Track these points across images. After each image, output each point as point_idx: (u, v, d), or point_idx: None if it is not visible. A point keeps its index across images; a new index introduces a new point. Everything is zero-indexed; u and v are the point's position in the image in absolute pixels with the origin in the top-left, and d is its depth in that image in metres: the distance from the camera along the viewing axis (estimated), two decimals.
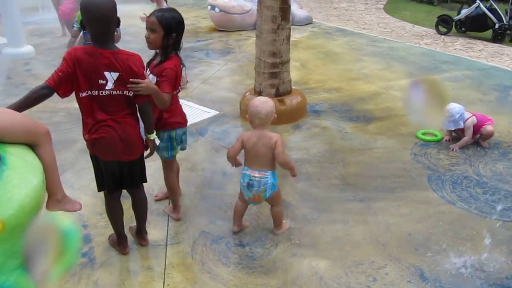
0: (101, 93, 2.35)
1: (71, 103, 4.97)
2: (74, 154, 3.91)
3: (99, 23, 2.31)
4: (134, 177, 2.61)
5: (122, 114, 2.42)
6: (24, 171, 1.89)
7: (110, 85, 2.34)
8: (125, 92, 2.38)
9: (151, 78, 2.64)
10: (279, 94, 4.49)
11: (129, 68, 2.34)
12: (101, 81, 2.33)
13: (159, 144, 2.69)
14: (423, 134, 4.15)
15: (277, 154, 2.67)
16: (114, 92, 2.36)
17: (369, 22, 9.51)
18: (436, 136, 4.13)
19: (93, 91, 2.34)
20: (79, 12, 4.41)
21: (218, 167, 3.69)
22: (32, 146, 2.21)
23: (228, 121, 4.58)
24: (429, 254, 2.68)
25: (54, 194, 2.26)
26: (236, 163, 2.84)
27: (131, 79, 2.36)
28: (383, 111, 4.80)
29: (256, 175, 2.69)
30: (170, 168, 3.00)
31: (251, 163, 2.74)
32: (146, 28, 2.70)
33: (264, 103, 2.75)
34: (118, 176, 2.54)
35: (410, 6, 11.96)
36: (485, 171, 3.62)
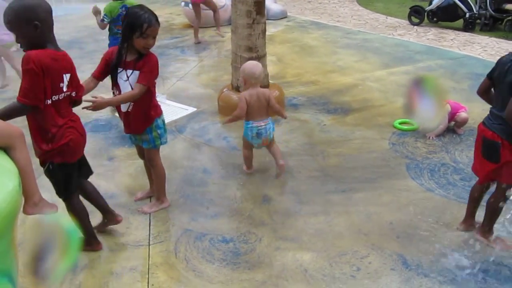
0: (60, 96, 2.32)
1: None
2: None
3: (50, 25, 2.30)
4: (87, 167, 2.70)
5: (70, 111, 2.44)
6: None
7: (64, 88, 2.33)
8: (72, 93, 2.40)
9: (124, 74, 2.69)
10: None
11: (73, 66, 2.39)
12: (61, 84, 2.31)
13: (156, 134, 2.85)
14: (400, 123, 4.20)
15: (273, 105, 3.33)
16: (67, 94, 2.36)
17: (343, 15, 9.57)
18: (413, 125, 4.19)
19: (53, 96, 2.29)
20: (108, 5, 4.35)
21: (198, 164, 3.66)
22: (6, 149, 2.17)
23: (207, 117, 4.55)
24: (411, 241, 2.72)
25: (30, 198, 2.21)
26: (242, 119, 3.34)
27: (87, 100, 2.51)
28: (360, 102, 4.85)
29: (262, 124, 3.29)
30: (159, 154, 3.02)
31: (254, 116, 3.29)
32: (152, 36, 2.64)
33: (256, 65, 3.32)
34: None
35: None
36: (461, 157, 3.69)
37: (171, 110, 4.72)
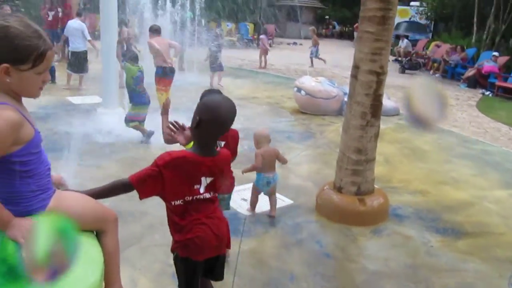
0: (195, 198, 2.19)
1: None
2: (142, 228, 3.83)
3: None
4: (219, 271, 2.42)
5: (212, 209, 2.26)
6: (82, 266, 1.76)
7: (202, 190, 2.19)
8: (216, 194, 2.27)
9: None
10: (360, 193, 4.19)
11: (222, 171, 2.25)
12: (196, 186, 2.18)
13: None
14: None
15: (282, 159, 4.17)
16: (207, 196, 2.22)
17: (460, 120, 9.06)
18: None
19: (186, 197, 2.17)
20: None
21: (286, 268, 3.39)
22: (98, 232, 2.13)
23: (302, 213, 4.32)
24: None
25: (111, 286, 2.13)
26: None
27: None
28: (475, 225, 4.30)
29: (271, 175, 4.07)
30: None
31: (264, 169, 4.03)
32: None
33: (264, 129, 4.32)
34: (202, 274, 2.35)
35: (506, 106, 11.35)
36: None
37: (266, 199, 4.57)
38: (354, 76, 4.09)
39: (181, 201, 2.16)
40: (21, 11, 13.71)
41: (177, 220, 2.21)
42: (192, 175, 2.16)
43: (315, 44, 16.65)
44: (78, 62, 9.59)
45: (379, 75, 3.99)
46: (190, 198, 2.17)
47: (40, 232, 1.57)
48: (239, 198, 4.54)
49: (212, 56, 10.82)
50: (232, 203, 4.39)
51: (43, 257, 1.52)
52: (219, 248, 2.30)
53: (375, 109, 4.06)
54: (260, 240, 3.77)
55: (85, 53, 9.77)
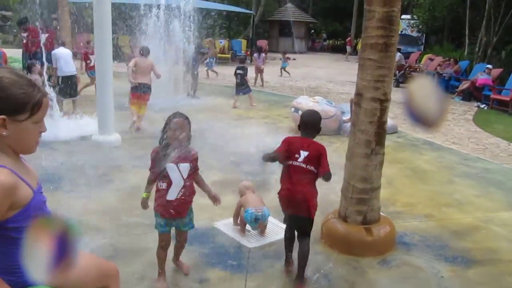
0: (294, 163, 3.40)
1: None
2: (143, 267, 3.69)
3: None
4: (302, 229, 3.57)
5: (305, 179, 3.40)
6: None
7: (301, 159, 3.40)
8: (308, 167, 3.39)
9: (180, 167, 3.19)
10: (366, 222, 4.09)
11: (316, 150, 3.46)
12: (296, 155, 3.39)
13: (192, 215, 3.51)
14: None
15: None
16: (302, 165, 3.38)
17: (458, 136, 9.01)
18: None
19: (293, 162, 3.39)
20: None
21: None
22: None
23: None
24: None
25: None
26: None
27: None
28: (484, 252, 4.20)
29: (259, 211, 4.14)
30: None
31: (252, 204, 4.22)
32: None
33: (246, 182, 4.71)
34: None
35: (502, 119, 11.35)
36: None
37: (271, 229, 4.46)
38: (357, 104, 4.01)
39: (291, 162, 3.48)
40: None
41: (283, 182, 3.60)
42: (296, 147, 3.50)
43: (213, 56, 17.97)
44: (70, 87, 9.44)
45: (383, 102, 3.92)
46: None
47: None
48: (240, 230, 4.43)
49: (239, 79, 11.13)
50: (234, 234, 4.30)
51: (49, 221, 1.52)
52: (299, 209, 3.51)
53: (380, 137, 3.99)
54: (266, 277, 3.64)
55: (75, 77, 9.65)
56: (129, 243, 4.07)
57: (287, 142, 3.52)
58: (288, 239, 3.70)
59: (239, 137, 8.00)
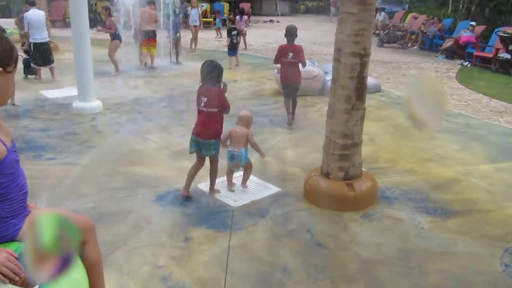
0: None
1: (131, 168, 4.91)
2: (127, 228, 3.71)
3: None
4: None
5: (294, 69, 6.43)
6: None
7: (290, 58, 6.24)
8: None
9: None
10: (348, 177, 4.13)
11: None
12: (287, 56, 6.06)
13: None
14: None
15: (251, 140, 4.43)
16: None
17: None
18: None
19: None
20: None
21: (278, 261, 3.32)
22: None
23: (291, 202, 4.25)
24: None
25: None
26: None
27: None
28: (463, 203, 4.30)
29: (236, 151, 4.34)
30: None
31: (231, 144, 4.40)
32: None
33: (244, 112, 4.67)
34: None
35: (484, 76, 11.40)
36: None
37: (254, 188, 4.50)
38: (337, 59, 3.98)
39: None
40: None
41: None
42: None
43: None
44: (43, 54, 9.10)
45: (363, 57, 3.88)
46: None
47: (41, 222, 1.48)
48: (227, 190, 4.45)
49: (235, 39, 11.34)
50: (219, 196, 4.32)
51: (51, 242, 1.45)
52: None
53: (360, 92, 3.97)
54: (250, 233, 3.69)
55: (48, 43, 9.29)
56: (113, 208, 4.07)
57: (279, 50, 6.57)
58: (287, 103, 6.66)
59: None
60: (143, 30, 10.57)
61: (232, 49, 11.28)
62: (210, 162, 4.27)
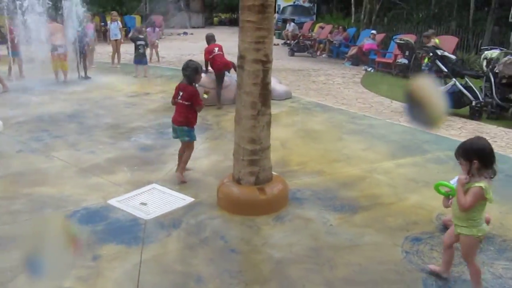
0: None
1: (34, 188, 4.62)
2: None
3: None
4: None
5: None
6: None
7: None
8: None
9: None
10: (259, 182, 4.21)
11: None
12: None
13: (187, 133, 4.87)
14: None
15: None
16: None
17: (348, 97, 9.55)
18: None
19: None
20: None
21: (192, 270, 3.29)
22: None
23: (205, 210, 4.23)
24: None
25: None
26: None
27: None
28: (368, 198, 4.55)
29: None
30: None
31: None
32: None
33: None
34: None
35: (386, 80, 12.22)
36: (483, 272, 3.32)
37: (167, 200, 4.43)
38: (240, 66, 4.06)
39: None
40: None
41: None
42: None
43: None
44: None
45: (265, 64, 4.00)
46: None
47: None
48: (138, 202, 4.34)
49: (142, 49, 11.60)
50: (130, 209, 4.20)
51: None
52: None
53: (265, 98, 4.08)
54: (162, 245, 3.62)
55: None
56: (10, 232, 3.79)
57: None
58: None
59: (135, 113, 7.77)
60: (52, 44, 10.42)
61: (138, 57, 11.52)
62: (185, 148, 4.88)
